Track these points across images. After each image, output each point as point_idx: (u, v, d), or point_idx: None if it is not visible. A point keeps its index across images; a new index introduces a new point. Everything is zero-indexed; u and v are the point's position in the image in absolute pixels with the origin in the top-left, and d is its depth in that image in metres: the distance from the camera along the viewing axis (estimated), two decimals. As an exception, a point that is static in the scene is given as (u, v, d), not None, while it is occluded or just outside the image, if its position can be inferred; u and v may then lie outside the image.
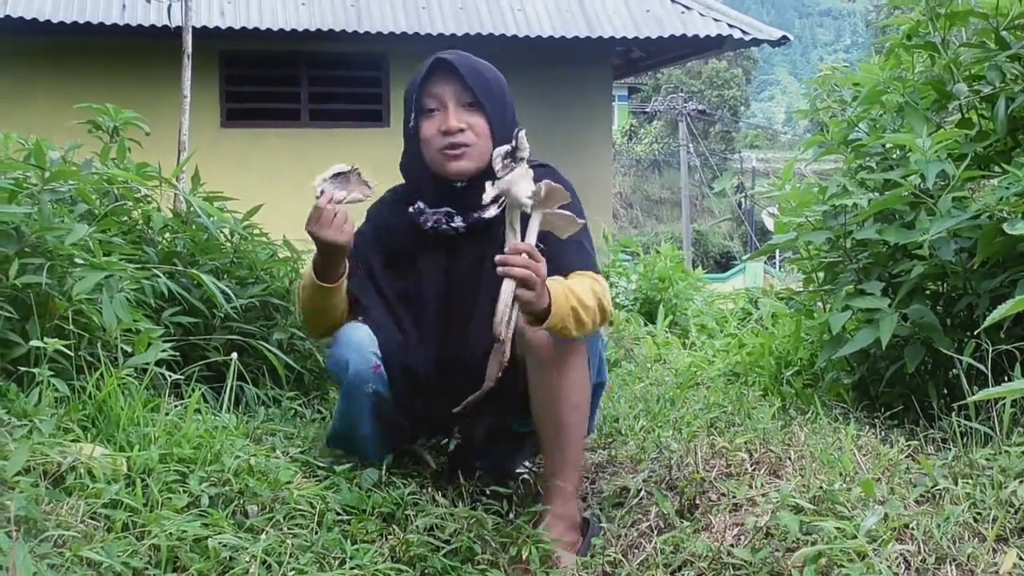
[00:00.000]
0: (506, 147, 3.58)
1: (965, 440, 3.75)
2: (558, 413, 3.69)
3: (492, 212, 3.82)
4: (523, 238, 3.48)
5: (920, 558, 3.00)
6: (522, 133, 3.60)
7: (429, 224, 3.88)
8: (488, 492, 3.81)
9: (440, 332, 3.88)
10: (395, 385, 3.84)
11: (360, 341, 3.80)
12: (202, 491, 3.29)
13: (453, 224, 3.85)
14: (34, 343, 3.63)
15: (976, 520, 3.14)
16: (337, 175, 3.70)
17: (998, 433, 3.68)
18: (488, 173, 3.70)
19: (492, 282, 3.52)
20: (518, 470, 3.97)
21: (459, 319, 3.84)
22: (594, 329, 3.72)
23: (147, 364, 3.95)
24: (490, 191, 3.56)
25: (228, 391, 4.17)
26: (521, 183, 3.50)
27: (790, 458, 3.86)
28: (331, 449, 4.02)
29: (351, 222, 3.70)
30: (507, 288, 3.40)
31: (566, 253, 3.75)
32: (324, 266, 3.79)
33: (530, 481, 3.89)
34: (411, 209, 3.94)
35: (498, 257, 3.40)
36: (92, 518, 3.02)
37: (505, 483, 3.90)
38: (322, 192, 3.66)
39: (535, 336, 3.61)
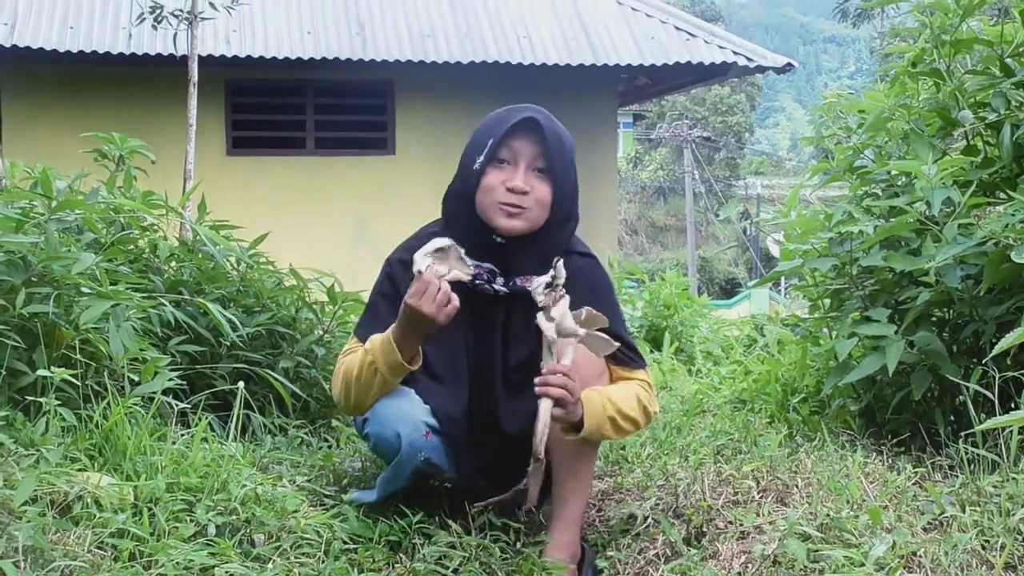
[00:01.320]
0: (546, 278, 3.60)
1: (972, 467, 3.74)
2: (572, 446, 3.69)
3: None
4: (558, 358, 3.55)
5: (928, 586, 3.00)
6: (560, 263, 3.62)
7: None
8: (497, 523, 3.80)
9: (472, 385, 3.84)
10: (446, 444, 3.80)
11: (408, 409, 3.73)
12: (209, 520, 3.29)
13: (495, 285, 3.78)
14: (41, 372, 3.65)
15: (984, 548, 3.14)
16: (437, 250, 3.65)
17: (1005, 460, 3.68)
18: (534, 236, 3.74)
19: (518, 340, 3.78)
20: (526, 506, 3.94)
21: (491, 375, 3.83)
22: (635, 432, 3.92)
23: (154, 393, 3.96)
24: (548, 327, 3.53)
25: (235, 420, 4.18)
26: (568, 315, 3.55)
27: (797, 485, 3.85)
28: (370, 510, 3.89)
29: (454, 305, 3.56)
30: (545, 407, 3.49)
31: (619, 359, 3.83)
32: (410, 346, 3.66)
33: (535, 512, 3.88)
34: None
35: (537, 379, 3.51)
36: (99, 548, 3.03)
37: (514, 514, 3.89)
38: (427, 267, 3.60)
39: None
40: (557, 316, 3.51)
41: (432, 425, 3.73)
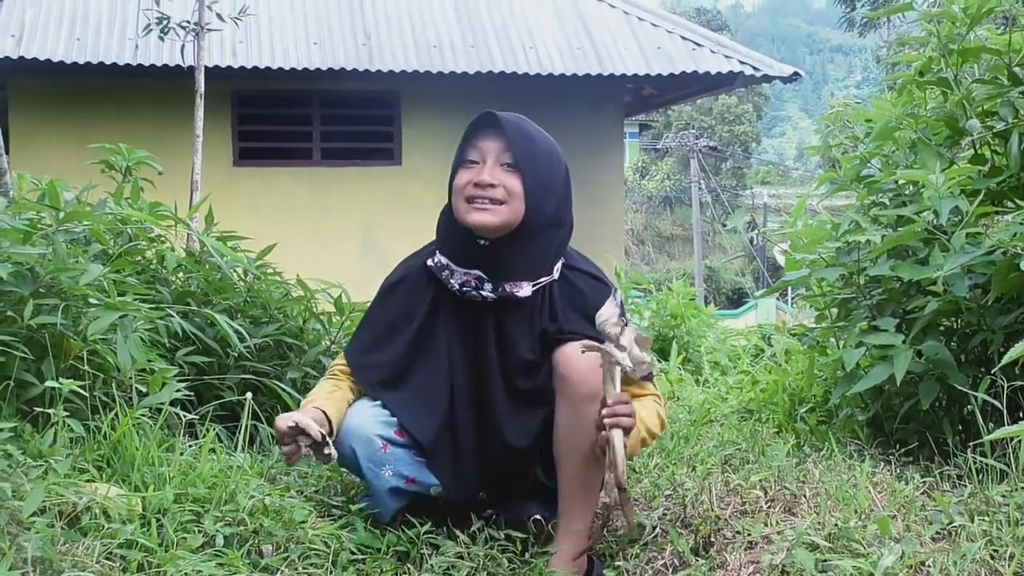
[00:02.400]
0: (616, 309, 3.52)
1: (981, 477, 3.73)
2: (584, 457, 3.66)
3: (526, 292, 3.78)
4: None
5: (937, 596, 2.99)
6: (619, 293, 3.60)
7: (456, 285, 3.80)
8: (503, 534, 3.80)
9: (464, 396, 3.83)
10: (419, 455, 3.79)
11: (360, 424, 3.76)
12: (217, 531, 3.29)
13: (483, 292, 3.77)
14: (49, 383, 3.64)
15: (993, 557, 3.13)
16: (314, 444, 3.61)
17: (1014, 469, 3.67)
18: (518, 237, 3.74)
19: (514, 347, 3.77)
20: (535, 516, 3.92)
21: (488, 385, 3.81)
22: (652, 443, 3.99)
23: (161, 404, 3.96)
24: (623, 357, 3.46)
25: (242, 430, 4.17)
26: (635, 345, 3.53)
27: (805, 495, 3.84)
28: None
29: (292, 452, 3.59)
30: (619, 437, 3.45)
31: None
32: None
33: (543, 522, 3.87)
34: (431, 262, 3.87)
35: (606, 411, 3.46)
36: (108, 558, 3.03)
37: (522, 525, 3.88)
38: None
39: (572, 372, 3.64)
40: (627, 344, 3.49)
41: (388, 437, 3.75)
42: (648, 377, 3.87)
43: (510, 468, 3.85)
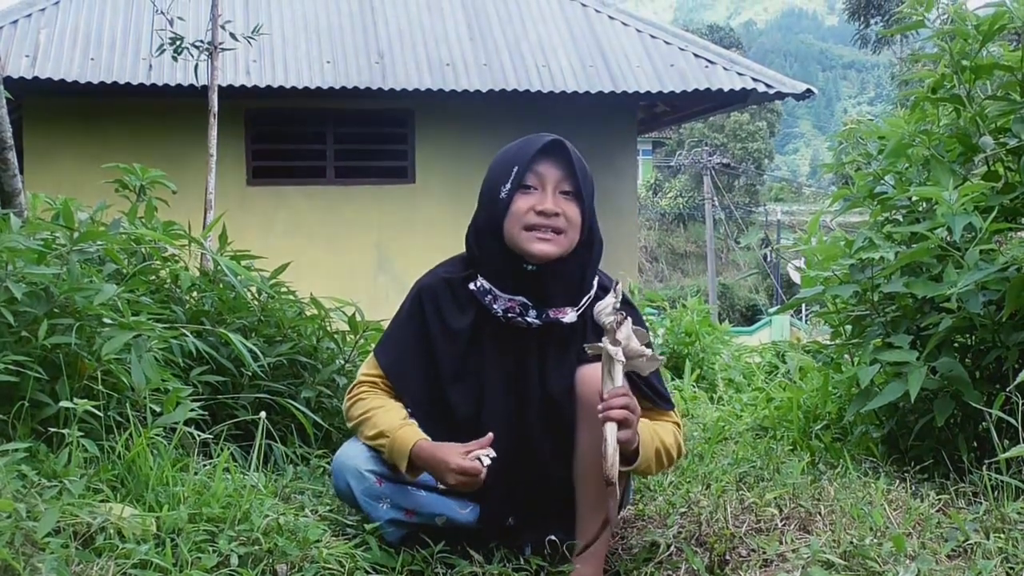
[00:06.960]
0: (612, 300, 3.51)
1: (996, 494, 3.73)
2: (600, 493, 3.58)
3: (571, 318, 3.77)
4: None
5: (953, 614, 2.98)
6: (619, 286, 3.59)
7: (499, 311, 3.76)
8: (524, 558, 3.79)
9: (505, 421, 3.77)
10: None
11: (353, 460, 3.76)
12: (231, 550, 3.28)
13: (527, 318, 3.74)
14: (64, 403, 3.64)
15: (1009, 575, 3.12)
16: None
17: (1030, 487, 3.67)
18: (566, 261, 3.72)
19: (556, 373, 3.74)
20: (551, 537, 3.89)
21: (528, 409, 3.78)
22: (669, 467, 3.93)
23: (176, 423, 3.95)
24: (616, 351, 3.44)
25: (257, 450, 4.17)
26: (634, 337, 3.51)
27: (820, 513, 3.84)
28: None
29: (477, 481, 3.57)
30: (611, 430, 3.41)
31: (654, 397, 3.82)
32: (420, 471, 3.68)
33: (557, 542, 3.85)
34: (472, 287, 3.82)
35: (600, 405, 3.43)
36: (122, 579, 3.03)
37: (542, 548, 3.86)
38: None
39: (588, 393, 3.62)
40: (623, 339, 3.47)
41: (380, 472, 3.73)
42: (670, 405, 3.87)
43: (543, 493, 3.82)
